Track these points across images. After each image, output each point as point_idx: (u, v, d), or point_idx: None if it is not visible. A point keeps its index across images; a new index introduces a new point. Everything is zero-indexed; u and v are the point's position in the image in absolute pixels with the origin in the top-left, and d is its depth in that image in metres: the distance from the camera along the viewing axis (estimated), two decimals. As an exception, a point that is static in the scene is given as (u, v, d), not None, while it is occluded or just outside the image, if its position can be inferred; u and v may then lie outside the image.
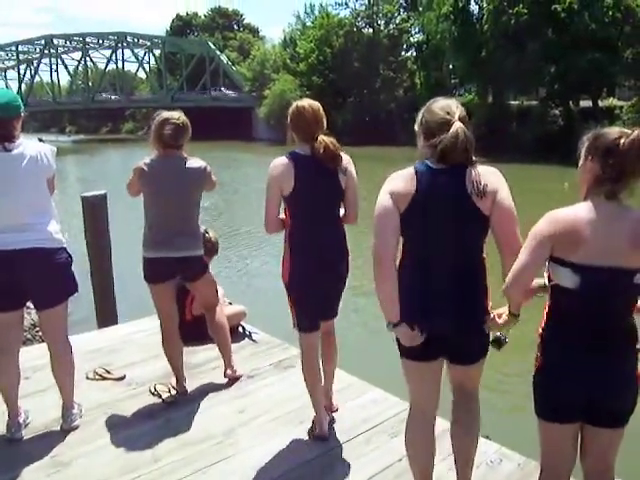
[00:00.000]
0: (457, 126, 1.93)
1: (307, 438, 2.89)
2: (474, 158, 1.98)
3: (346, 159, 2.72)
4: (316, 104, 2.76)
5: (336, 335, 3.05)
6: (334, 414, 3.09)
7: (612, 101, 28.69)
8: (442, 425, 2.72)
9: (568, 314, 1.79)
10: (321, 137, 2.65)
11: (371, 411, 3.14)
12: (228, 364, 3.50)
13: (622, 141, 1.67)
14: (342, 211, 2.80)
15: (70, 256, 2.90)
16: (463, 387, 2.23)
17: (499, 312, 2.06)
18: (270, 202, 2.70)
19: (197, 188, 3.19)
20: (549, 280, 1.82)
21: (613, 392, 1.77)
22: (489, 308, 2.08)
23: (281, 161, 2.65)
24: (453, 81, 37.57)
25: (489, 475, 2.55)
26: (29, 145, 2.79)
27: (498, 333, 2.08)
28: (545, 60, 27.55)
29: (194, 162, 3.16)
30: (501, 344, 2.08)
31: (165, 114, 3.12)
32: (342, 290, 2.89)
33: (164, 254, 3.11)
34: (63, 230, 2.95)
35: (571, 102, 28.57)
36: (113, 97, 70.86)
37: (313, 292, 2.75)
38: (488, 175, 1.98)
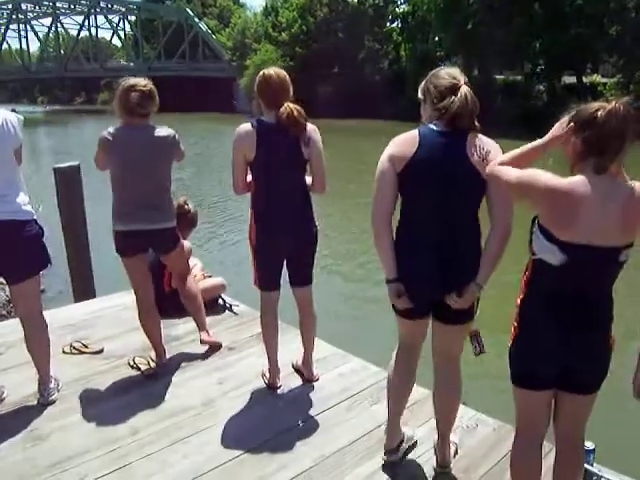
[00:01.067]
0: (465, 89, 2.04)
1: (288, 408, 2.92)
2: (477, 125, 2.07)
3: (310, 128, 2.74)
4: (282, 72, 2.78)
5: (317, 306, 3.08)
6: (314, 383, 3.14)
7: (596, 77, 28.75)
8: (419, 392, 2.80)
9: (548, 288, 1.80)
10: (287, 104, 2.67)
11: (351, 380, 3.17)
12: (202, 328, 3.50)
13: (599, 113, 1.65)
14: (309, 179, 2.84)
15: (41, 228, 2.84)
16: (447, 352, 2.30)
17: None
18: (235, 166, 2.78)
19: (166, 158, 3.09)
20: (532, 254, 1.80)
21: (587, 362, 1.81)
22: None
23: (245, 128, 2.72)
24: (439, 54, 37.23)
25: (465, 439, 2.62)
26: None
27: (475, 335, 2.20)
28: (531, 35, 27.47)
29: (161, 131, 3.06)
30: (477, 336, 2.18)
31: (131, 80, 3.02)
32: (310, 257, 2.96)
33: (133, 227, 3.05)
34: (36, 203, 2.89)
35: (556, 78, 28.52)
36: (87, 66, 68.67)
37: (274, 254, 2.88)
38: (490, 144, 2.06)
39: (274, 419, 2.81)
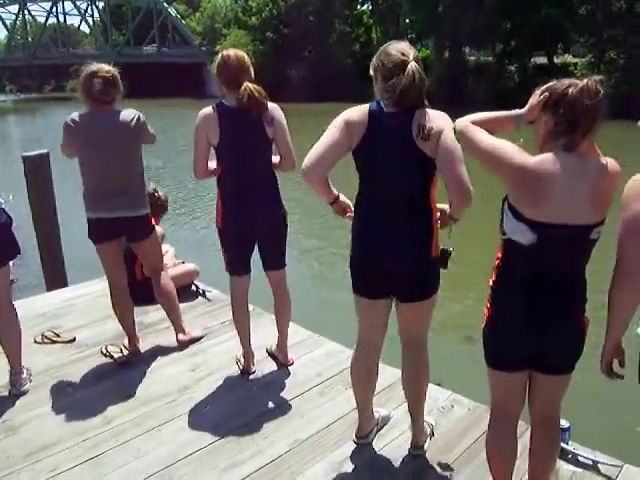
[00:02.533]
0: (412, 66, 1.99)
1: (262, 393, 2.93)
2: (425, 101, 2.04)
3: (272, 107, 2.73)
4: (241, 53, 2.77)
5: (291, 290, 3.08)
6: (289, 368, 3.14)
7: (567, 58, 29.01)
8: (396, 374, 2.82)
9: (519, 268, 1.78)
10: (246, 84, 2.65)
11: (326, 363, 3.19)
12: (179, 329, 3.45)
13: (571, 90, 1.63)
14: (277, 158, 2.83)
15: (10, 217, 2.78)
16: (412, 331, 2.29)
17: (441, 207, 2.14)
18: (197, 151, 2.76)
19: (132, 141, 3.02)
20: (502, 234, 1.79)
21: (560, 343, 1.80)
22: (435, 248, 2.14)
23: (206, 111, 2.71)
24: (410, 36, 37.22)
25: (441, 420, 2.63)
26: None
27: (443, 246, 2.17)
28: (501, 15, 27.52)
29: (126, 114, 2.99)
30: (446, 254, 2.16)
31: (93, 67, 2.95)
32: (281, 240, 2.95)
33: (103, 214, 3.01)
34: (6, 193, 2.82)
35: (527, 58, 28.72)
36: (55, 53, 67.09)
37: (242, 238, 2.86)
38: (436, 119, 2.03)
39: (249, 404, 2.82)
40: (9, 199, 2.83)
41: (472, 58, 32.78)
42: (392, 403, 2.73)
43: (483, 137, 1.80)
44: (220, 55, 2.75)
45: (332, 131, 2.09)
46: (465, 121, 1.88)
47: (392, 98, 2.02)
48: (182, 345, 3.42)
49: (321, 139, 2.10)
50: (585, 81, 1.64)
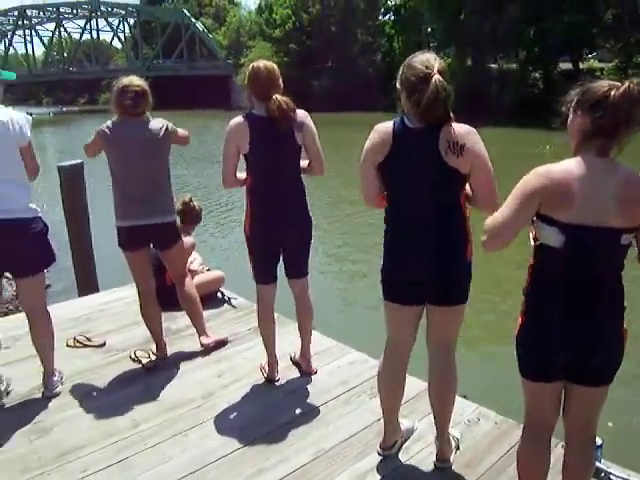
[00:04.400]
0: (436, 79, 1.96)
1: (286, 401, 2.94)
2: (451, 115, 2.02)
3: (301, 114, 2.77)
4: (271, 64, 2.82)
5: (314, 298, 3.09)
6: (313, 377, 3.15)
7: (593, 63, 28.53)
8: (421, 385, 2.80)
9: (552, 274, 1.75)
10: (275, 96, 2.70)
11: (350, 373, 3.18)
12: (202, 332, 3.50)
13: (612, 93, 1.59)
14: (305, 163, 2.87)
15: (46, 226, 2.86)
16: (441, 338, 2.27)
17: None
18: (226, 160, 2.81)
19: (161, 149, 3.12)
20: (534, 240, 1.78)
21: (597, 352, 1.74)
22: (470, 252, 2.15)
23: (236, 121, 2.76)
24: (432, 45, 37.22)
25: (467, 434, 2.57)
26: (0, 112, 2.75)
27: None
28: (524, 22, 27.22)
29: (155, 123, 3.10)
30: None
31: (124, 80, 3.05)
32: (306, 248, 2.98)
33: (133, 222, 3.09)
34: (42, 201, 2.91)
35: (552, 64, 28.36)
36: (89, 68, 69.32)
37: (270, 246, 2.90)
38: (465, 134, 2.02)
39: (273, 412, 2.83)
40: (43, 207, 2.92)
41: (495, 66, 32.50)
42: (416, 415, 2.70)
43: (502, 215, 1.76)
44: (251, 66, 2.81)
45: (362, 170, 2.17)
46: (485, 234, 1.81)
47: (416, 113, 2.01)
48: (206, 349, 3.46)
49: (360, 176, 2.19)
50: (627, 84, 1.60)
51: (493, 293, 5.94)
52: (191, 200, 4.06)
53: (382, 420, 2.48)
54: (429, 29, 36.78)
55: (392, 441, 2.47)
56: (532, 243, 1.81)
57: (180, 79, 55.73)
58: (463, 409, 2.73)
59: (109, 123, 3.06)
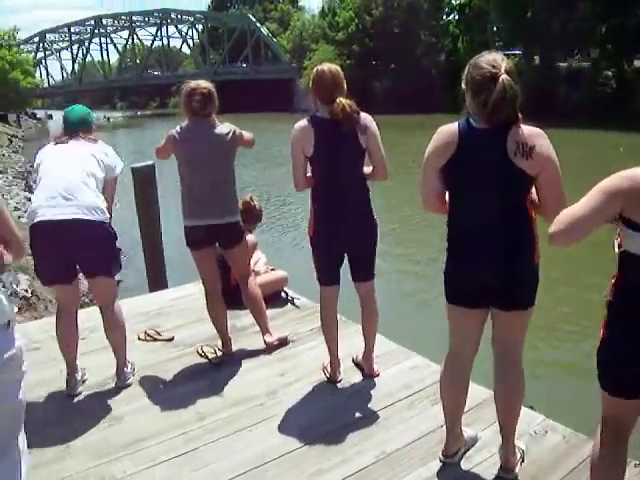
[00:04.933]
0: (503, 79, 1.91)
1: (348, 402, 2.94)
2: (519, 116, 1.97)
3: (365, 118, 2.77)
4: (335, 67, 2.83)
5: (379, 301, 3.08)
6: (375, 379, 3.13)
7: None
8: (486, 393, 2.74)
9: (637, 283, 1.67)
10: (339, 99, 2.71)
11: (412, 377, 3.14)
12: (265, 331, 3.55)
13: None
14: (369, 169, 2.87)
15: (115, 233, 2.94)
16: (507, 344, 2.21)
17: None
18: (295, 163, 2.84)
19: (227, 152, 3.20)
20: (619, 247, 1.70)
21: None
22: (537, 260, 2.09)
23: (301, 124, 2.78)
24: (497, 44, 36.32)
25: (533, 446, 2.47)
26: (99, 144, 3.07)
27: None
28: (596, 19, 26.06)
29: (222, 127, 3.18)
30: None
31: (192, 84, 3.16)
32: (371, 251, 2.96)
33: (200, 222, 3.18)
34: (116, 200, 3.09)
35: (625, 62, 26.95)
36: (160, 73, 72.40)
37: (332, 249, 2.91)
38: (534, 136, 1.97)
39: (335, 413, 2.83)
40: (116, 205, 3.06)
41: (564, 64, 31.28)
42: (480, 424, 2.63)
43: (576, 212, 1.67)
44: (315, 69, 2.84)
45: (424, 172, 2.15)
46: (554, 228, 1.71)
47: (483, 114, 1.96)
48: (269, 347, 3.51)
49: (421, 179, 2.17)
50: None
51: (565, 297, 5.72)
52: (252, 199, 4.15)
53: (444, 427, 2.43)
54: (494, 28, 35.90)
55: (455, 449, 2.41)
56: (616, 250, 1.73)
57: (245, 83, 57.02)
58: (530, 420, 2.64)
59: (178, 127, 3.18)
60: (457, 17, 42.03)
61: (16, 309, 1.70)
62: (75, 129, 3.03)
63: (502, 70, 1.94)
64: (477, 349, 2.28)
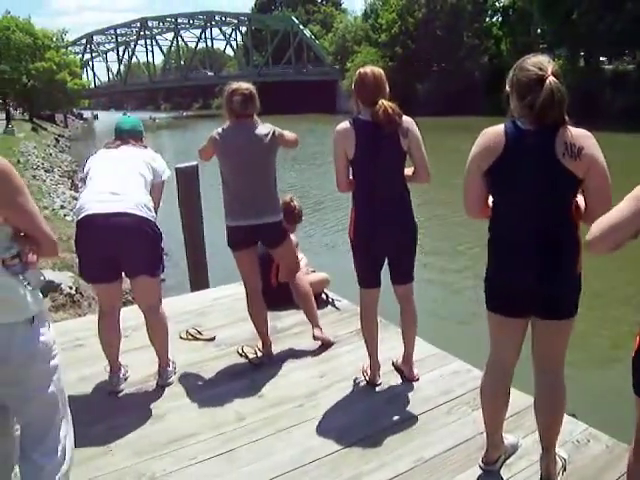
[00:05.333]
0: (551, 81, 1.89)
1: (387, 406, 2.92)
2: (566, 118, 1.94)
3: (407, 121, 2.76)
4: (378, 70, 2.82)
5: (418, 304, 3.06)
6: (414, 383, 3.11)
7: None
8: (527, 400, 2.68)
9: None
10: (381, 101, 2.71)
11: (452, 382, 3.11)
12: (315, 325, 3.58)
13: None
14: (410, 170, 2.86)
15: (161, 234, 2.98)
16: (549, 354, 2.17)
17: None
18: (337, 165, 2.86)
19: (268, 152, 3.22)
20: None
21: None
22: (580, 268, 2.04)
23: (343, 126, 2.79)
24: (541, 46, 35.53)
25: (575, 455, 2.43)
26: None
27: None
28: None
29: (262, 127, 3.21)
30: None
31: (234, 85, 3.21)
32: (411, 253, 2.95)
33: (242, 222, 3.21)
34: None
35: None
36: (203, 74, 73.76)
37: (372, 251, 2.89)
38: (582, 138, 1.94)
39: (374, 417, 2.82)
40: (160, 204, 3.13)
41: (609, 67, 30.28)
42: (520, 431, 2.58)
43: (615, 217, 1.62)
44: (358, 72, 2.84)
45: (468, 176, 2.11)
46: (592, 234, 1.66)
47: (530, 117, 1.94)
48: (316, 337, 3.54)
49: (464, 183, 2.14)
50: None
51: (604, 303, 5.54)
52: (292, 200, 4.16)
53: (485, 434, 2.39)
54: (538, 30, 35.13)
55: (495, 456, 2.37)
56: None
57: (288, 84, 57.46)
58: (572, 429, 2.58)
59: (219, 129, 3.22)
60: (500, 19, 41.40)
61: (46, 305, 1.76)
62: (126, 136, 3.13)
63: (549, 72, 1.92)
64: (518, 356, 2.23)
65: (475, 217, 2.20)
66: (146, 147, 3.18)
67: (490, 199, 2.15)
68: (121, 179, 2.91)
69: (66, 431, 1.95)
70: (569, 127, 1.94)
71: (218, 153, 3.23)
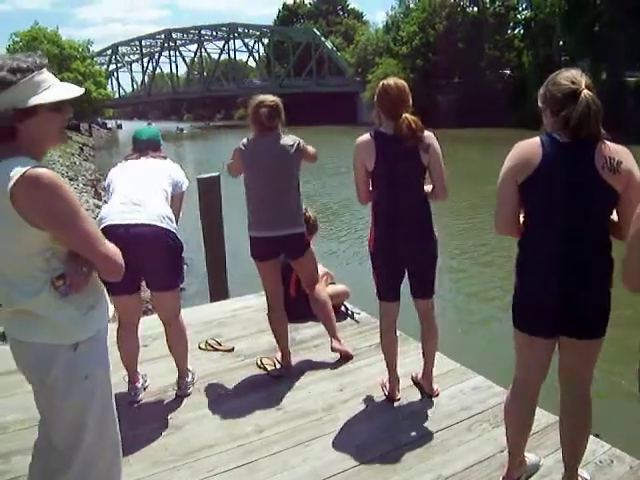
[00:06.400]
0: (586, 94, 1.88)
1: (407, 421, 2.89)
2: (603, 131, 1.92)
3: (429, 136, 2.74)
4: (402, 82, 2.81)
5: (439, 318, 3.05)
6: (434, 399, 3.08)
7: None
8: (550, 418, 2.63)
9: None
10: (405, 115, 2.68)
11: (472, 398, 3.07)
12: (333, 336, 3.56)
13: None
14: (429, 187, 2.84)
15: (182, 245, 2.99)
16: (576, 374, 2.13)
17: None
18: (357, 177, 2.85)
19: (292, 163, 3.23)
20: None
21: None
22: (611, 286, 2.01)
23: (363, 138, 2.78)
24: (563, 58, 35.27)
25: (598, 476, 2.37)
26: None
27: None
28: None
29: (287, 139, 3.22)
30: None
31: (260, 97, 3.24)
32: (431, 268, 2.93)
33: (266, 233, 3.22)
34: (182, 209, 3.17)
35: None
36: (226, 86, 74.69)
37: (392, 265, 2.88)
38: (620, 152, 1.92)
39: (392, 432, 2.79)
40: (181, 214, 3.16)
41: (632, 79, 29.91)
42: (542, 450, 2.52)
43: None
44: (381, 84, 2.82)
45: (502, 189, 2.05)
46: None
47: (566, 130, 1.91)
48: (334, 349, 3.53)
49: (497, 197, 2.08)
50: None
51: (630, 322, 5.43)
52: (307, 210, 4.15)
53: (505, 452, 2.35)
54: (560, 42, 34.95)
55: (516, 475, 2.33)
56: None
57: (309, 96, 57.80)
58: (595, 449, 2.51)
59: (244, 140, 3.25)
60: (522, 31, 41.23)
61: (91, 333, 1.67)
62: (144, 147, 3.17)
63: (583, 85, 1.91)
64: (545, 377, 2.19)
65: (506, 233, 2.15)
66: (165, 157, 3.21)
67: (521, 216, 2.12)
68: (142, 190, 2.93)
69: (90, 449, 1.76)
70: (608, 142, 1.92)
71: (243, 163, 3.25)
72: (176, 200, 3.09)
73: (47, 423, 1.79)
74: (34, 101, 1.59)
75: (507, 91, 37.65)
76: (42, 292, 1.63)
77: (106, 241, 1.71)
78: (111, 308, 1.86)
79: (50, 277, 1.64)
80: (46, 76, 1.64)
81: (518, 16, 43.57)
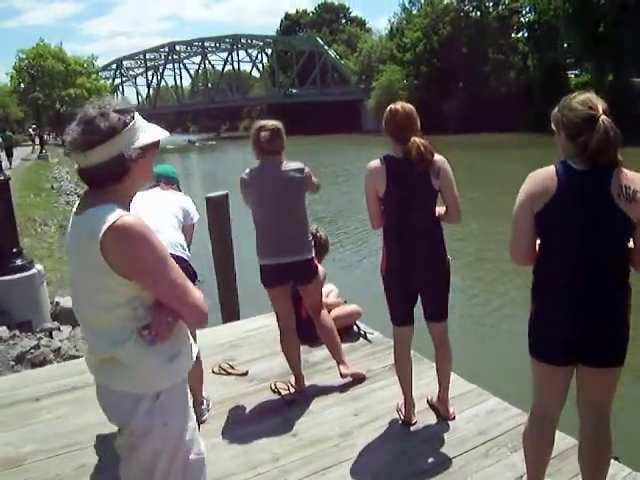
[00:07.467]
0: (604, 120, 1.85)
1: (423, 447, 2.87)
2: (620, 158, 1.91)
3: (439, 160, 2.74)
4: (409, 106, 2.80)
5: (453, 340, 3.02)
6: (450, 423, 3.05)
7: None
8: (569, 442, 2.60)
9: None
10: (413, 139, 2.68)
11: (489, 421, 3.03)
12: (341, 362, 3.54)
13: None
14: (442, 209, 2.84)
15: (195, 272, 3.00)
16: (596, 402, 2.11)
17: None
18: (370, 202, 2.86)
19: (298, 191, 3.25)
20: None
21: None
22: (629, 314, 1.99)
23: (374, 164, 2.79)
24: (568, 60, 35.18)
25: (618, 502, 2.36)
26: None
27: None
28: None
29: (292, 165, 3.23)
30: None
31: (260, 122, 3.28)
32: (444, 291, 2.91)
33: (274, 261, 3.22)
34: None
35: None
36: (230, 97, 75.16)
37: (404, 289, 2.88)
38: (637, 181, 1.90)
39: (410, 458, 2.77)
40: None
41: (638, 80, 29.78)
42: (561, 476, 2.49)
43: None
44: (389, 108, 2.83)
45: (519, 220, 2.02)
46: None
47: (583, 157, 1.89)
48: (345, 377, 3.51)
49: (514, 228, 2.05)
50: None
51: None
52: (317, 230, 4.15)
53: (524, 478, 2.33)
54: (565, 45, 34.89)
55: None
56: None
57: (314, 105, 58.03)
58: (615, 473, 2.47)
59: (247, 170, 3.26)
60: (526, 34, 41.19)
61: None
62: (157, 180, 3.20)
63: (600, 111, 1.88)
64: (563, 404, 2.17)
65: (523, 264, 2.12)
66: (177, 192, 3.27)
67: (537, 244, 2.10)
68: (156, 219, 2.95)
69: None
70: (624, 169, 1.90)
71: (249, 193, 3.26)
72: (187, 231, 3.12)
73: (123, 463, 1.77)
74: (144, 140, 1.61)
75: (512, 95, 37.57)
76: (129, 342, 1.60)
77: (192, 289, 1.66)
78: (195, 350, 1.82)
79: (136, 326, 1.62)
80: (139, 117, 1.65)
81: (522, 19, 43.57)
